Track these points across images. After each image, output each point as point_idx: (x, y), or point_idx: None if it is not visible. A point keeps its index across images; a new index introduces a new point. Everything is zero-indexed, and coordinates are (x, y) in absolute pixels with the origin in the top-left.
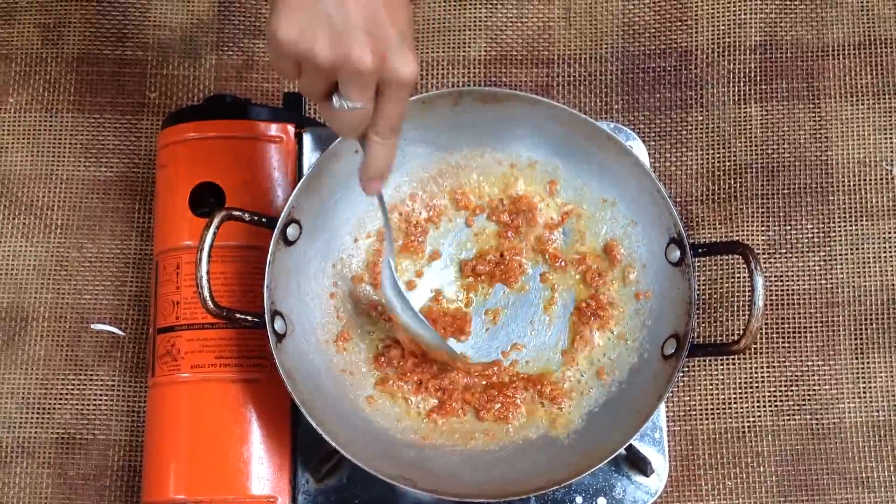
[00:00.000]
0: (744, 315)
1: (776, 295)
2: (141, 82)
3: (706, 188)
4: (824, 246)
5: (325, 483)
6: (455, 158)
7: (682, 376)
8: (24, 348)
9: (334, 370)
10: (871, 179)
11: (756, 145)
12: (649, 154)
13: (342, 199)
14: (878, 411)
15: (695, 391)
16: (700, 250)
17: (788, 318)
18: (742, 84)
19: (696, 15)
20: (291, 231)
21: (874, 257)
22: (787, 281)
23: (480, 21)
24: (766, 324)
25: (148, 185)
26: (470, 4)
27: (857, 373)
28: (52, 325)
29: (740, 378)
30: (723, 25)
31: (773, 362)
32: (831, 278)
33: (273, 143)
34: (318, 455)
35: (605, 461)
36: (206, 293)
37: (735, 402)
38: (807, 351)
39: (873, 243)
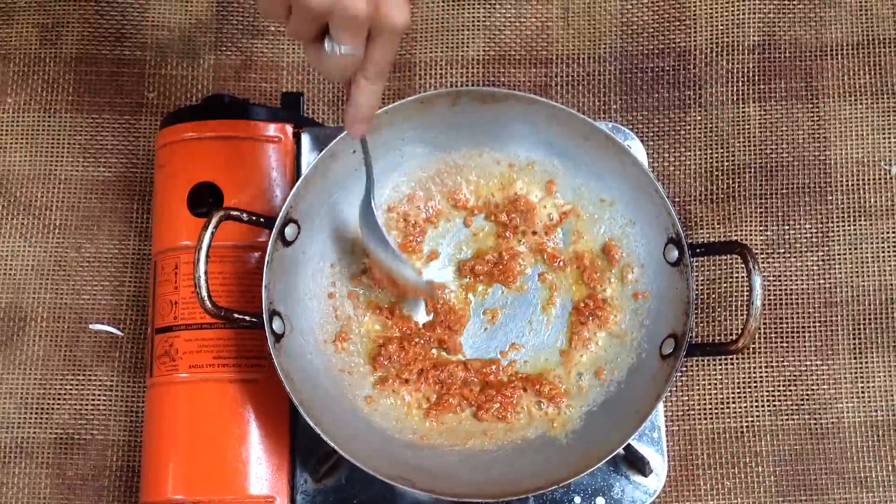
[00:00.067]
0: (742, 315)
1: (774, 295)
2: (139, 82)
3: (704, 188)
4: (822, 246)
5: (323, 483)
6: (453, 158)
7: (681, 376)
8: (22, 348)
9: (333, 370)
10: (869, 179)
11: (754, 145)
12: (648, 154)
13: (340, 199)
14: (876, 411)
15: (693, 391)
16: (698, 250)
17: (787, 318)
18: (740, 84)
19: (694, 15)
20: (289, 231)
21: (872, 257)
22: (786, 281)
23: (479, 21)
24: (764, 324)
25: (146, 185)
26: (468, 4)
27: (856, 372)
28: (51, 326)
29: (738, 378)
30: (721, 25)
31: (772, 362)
32: (829, 278)
33: (271, 143)
34: (317, 455)
35: (604, 461)
36: (205, 293)
37: (733, 402)
38: (805, 351)
39: (871, 243)
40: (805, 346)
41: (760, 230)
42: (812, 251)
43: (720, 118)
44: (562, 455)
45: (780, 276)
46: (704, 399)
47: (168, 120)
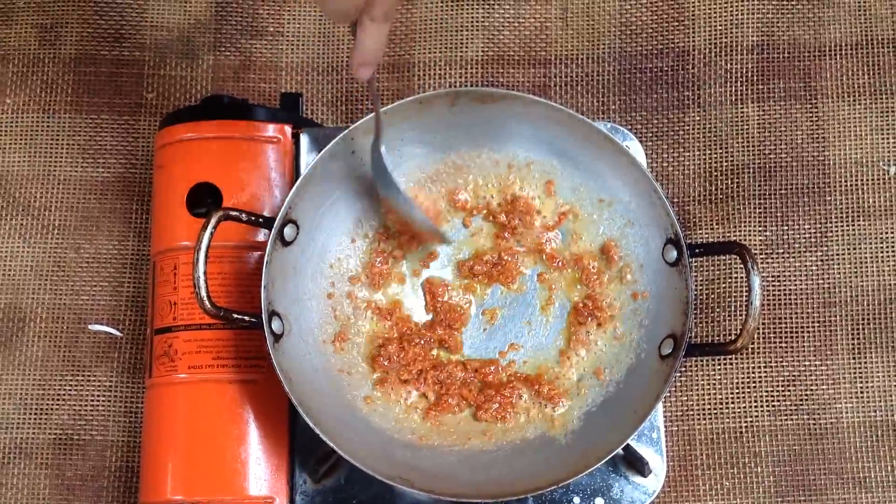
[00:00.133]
0: (741, 315)
1: (773, 295)
2: (138, 83)
3: (703, 188)
4: (821, 246)
5: (322, 483)
6: (452, 159)
7: (680, 376)
8: (21, 349)
9: (332, 370)
10: (867, 179)
11: (753, 145)
12: (646, 154)
13: (339, 200)
14: (875, 411)
15: (692, 391)
16: (697, 250)
17: (785, 318)
18: (739, 84)
19: (692, 15)
20: (289, 231)
21: (871, 257)
22: (784, 281)
23: (477, 21)
24: (763, 324)
25: (145, 186)
26: (467, 5)
27: (855, 373)
28: (50, 326)
29: (737, 378)
30: (720, 25)
31: (771, 362)
32: (828, 278)
33: (270, 143)
34: (316, 455)
35: (603, 461)
36: (204, 293)
37: (732, 402)
38: (804, 351)
39: (870, 243)
40: (804, 347)
41: (759, 230)
42: (811, 251)
43: (719, 118)
44: (561, 455)
45: (778, 276)
46: (703, 399)
47: (167, 120)
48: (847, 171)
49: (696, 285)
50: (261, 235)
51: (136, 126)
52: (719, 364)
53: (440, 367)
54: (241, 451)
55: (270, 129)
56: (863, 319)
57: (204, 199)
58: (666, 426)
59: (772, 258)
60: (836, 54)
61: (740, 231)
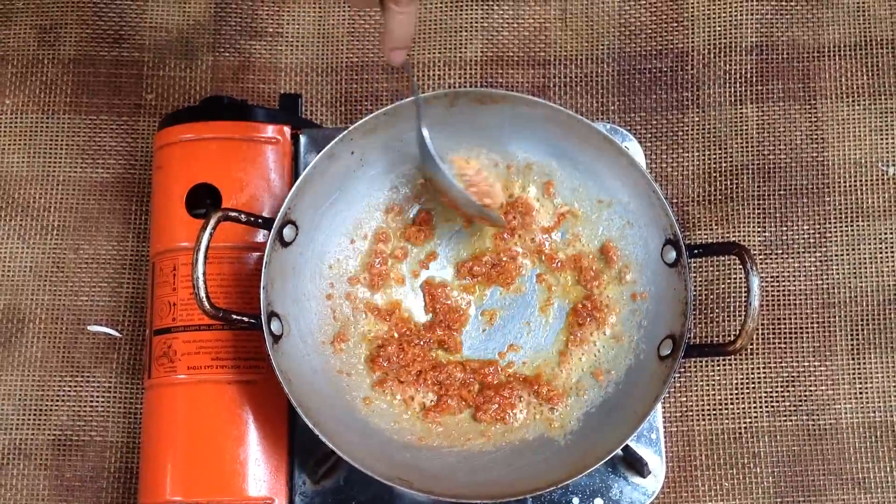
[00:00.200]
0: (740, 316)
1: (772, 295)
2: (137, 84)
3: (702, 189)
4: (820, 246)
5: (322, 484)
6: (452, 159)
7: (679, 377)
8: (20, 350)
9: (331, 371)
10: (867, 180)
11: (752, 146)
12: (645, 155)
13: (338, 201)
14: (874, 412)
15: (691, 392)
16: (696, 251)
17: (785, 319)
18: (738, 85)
19: (692, 16)
20: (288, 232)
21: (870, 258)
22: (784, 281)
23: (477, 22)
24: (762, 324)
25: (144, 187)
26: (466, 5)
27: (854, 373)
28: (49, 327)
29: (737, 379)
30: (719, 26)
31: (770, 363)
32: (827, 279)
33: (269, 144)
34: (315, 456)
35: (602, 462)
36: (203, 294)
37: (732, 403)
38: (803, 351)
39: (869, 244)
40: (803, 347)
41: (758, 231)
42: (810, 252)
43: (718, 119)
44: (560, 456)
45: (777, 276)
46: (702, 400)
47: (166, 121)
48: (846, 171)
49: (696, 286)
50: (260, 236)
51: (135, 127)
52: (718, 365)
53: (439, 367)
54: (241, 451)
55: (269, 130)
56: (862, 320)
57: (203, 200)
58: (665, 427)
59: (771, 259)
60: (835, 55)
61: (739, 232)
